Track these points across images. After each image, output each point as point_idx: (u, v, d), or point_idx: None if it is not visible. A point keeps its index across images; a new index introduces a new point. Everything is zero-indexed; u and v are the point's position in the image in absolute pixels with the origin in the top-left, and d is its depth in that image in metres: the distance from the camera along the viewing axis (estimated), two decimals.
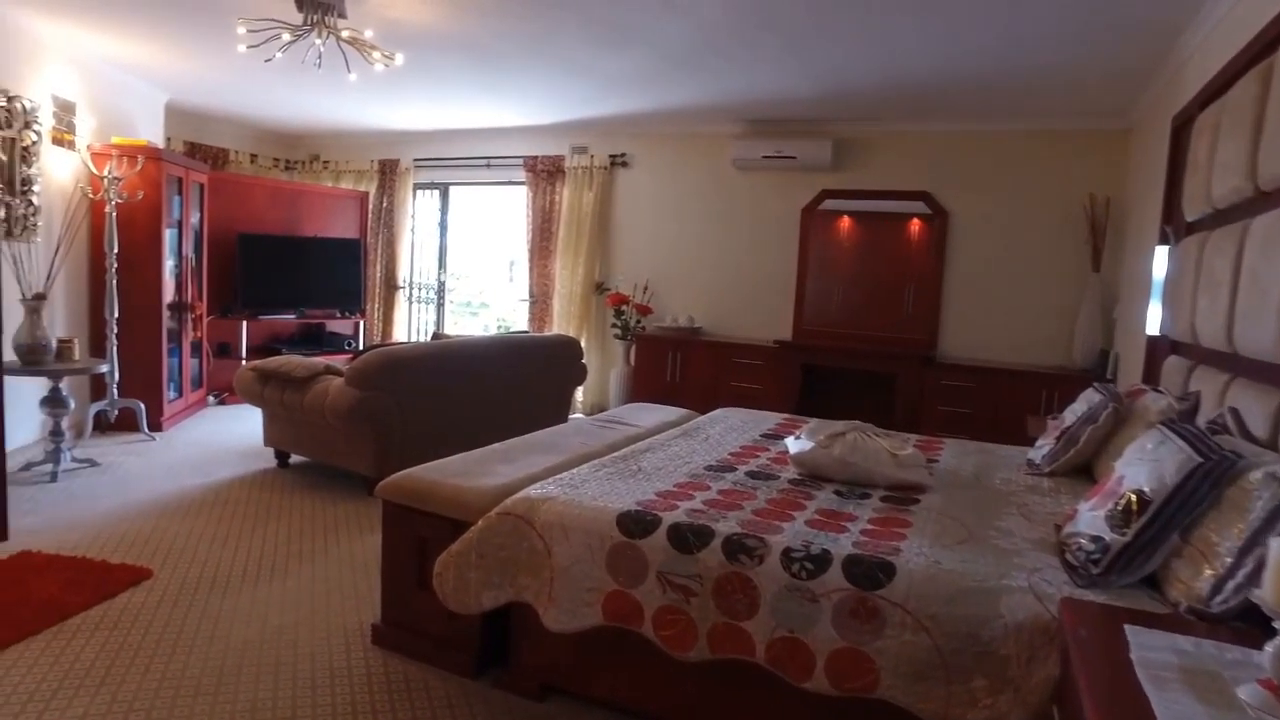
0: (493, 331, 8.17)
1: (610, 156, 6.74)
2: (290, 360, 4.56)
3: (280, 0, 3.55)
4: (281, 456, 4.83)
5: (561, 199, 6.94)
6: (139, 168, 5.17)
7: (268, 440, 4.79)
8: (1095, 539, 1.91)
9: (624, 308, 6.58)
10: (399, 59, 3.82)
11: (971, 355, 5.63)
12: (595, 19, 3.90)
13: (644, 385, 6.29)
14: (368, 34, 3.54)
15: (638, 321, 6.59)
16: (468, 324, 8.79)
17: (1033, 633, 1.73)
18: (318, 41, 3.44)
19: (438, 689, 2.46)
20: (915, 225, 5.84)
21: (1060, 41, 3.82)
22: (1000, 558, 2.03)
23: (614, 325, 6.65)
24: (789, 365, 5.77)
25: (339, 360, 5.03)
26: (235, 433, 5.52)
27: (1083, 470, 2.97)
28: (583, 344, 6.70)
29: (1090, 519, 2.00)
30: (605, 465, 2.80)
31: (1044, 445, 3.19)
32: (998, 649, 1.76)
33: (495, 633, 2.53)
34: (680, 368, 6.15)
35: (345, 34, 3.40)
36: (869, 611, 1.88)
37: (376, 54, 3.60)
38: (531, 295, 7.14)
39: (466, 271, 8.65)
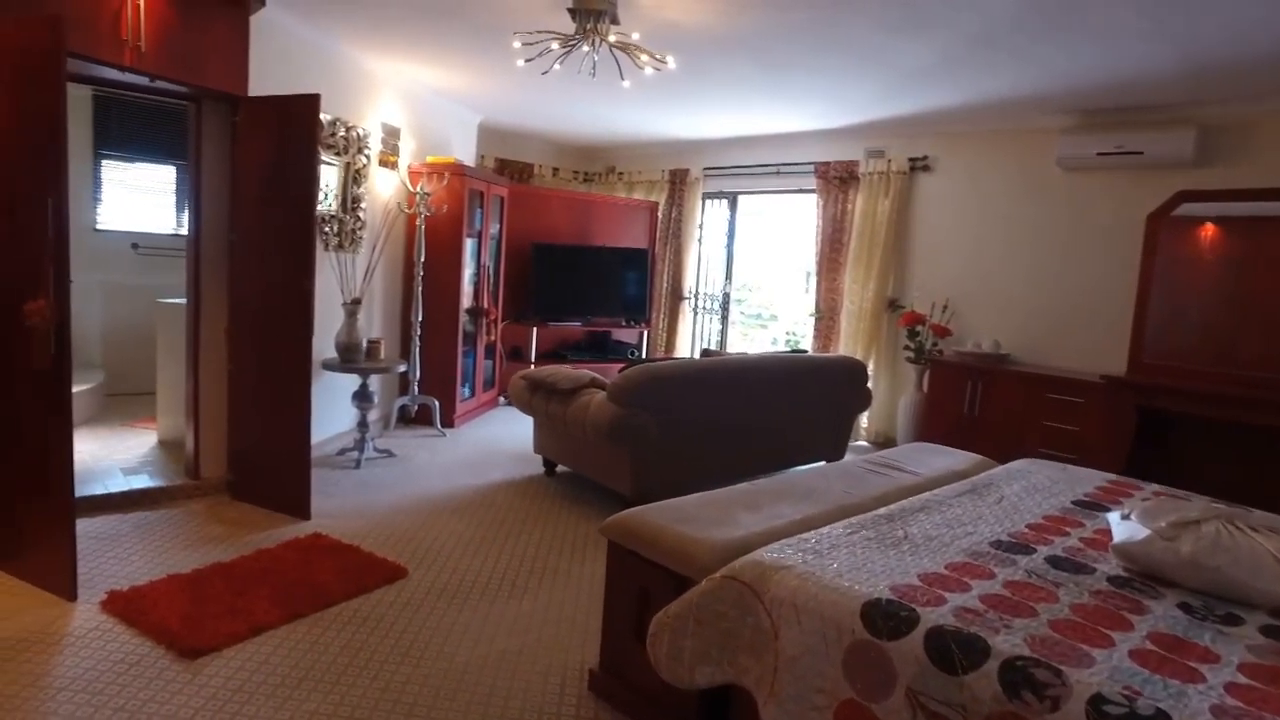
0: (779, 346, 7.83)
1: (909, 160, 6.05)
2: (557, 371, 4.61)
3: (556, 13, 3.54)
4: (549, 465, 4.92)
5: (854, 207, 6.40)
6: (445, 183, 5.61)
7: (537, 447, 4.90)
8: None
9: (919, 328, 5.87)
10: (670, 62, 3.63)
11: None
12: (887, 0, 3.38)
13: (936, 417, 5.53)
14: (635, 36, 3.38)
15: (934, 344, 5.84)
16: (757, 336, 8.54)
17: None
18: (586, 49, 3.35)
19: None
20: None
21: None
22: None
23: (906, 347, 5.96)
24: (1120, 407, 4.68)
25: (615, 369, 5.01)
26: (514, 435, 5.77)
27: None
28: (870, 366, 6.13)
29: None
30: (865, 527, 2.31)
31: None
32: None
33: (716, 705, 2.18)
34: (980, 400, 5.31)
35: (612, 38, 3.28)
36: None
37: (645, 57, 3.44)
38: (818, 310, 6.67)
39: (756, 282, 8.42)
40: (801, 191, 6.87)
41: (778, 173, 6.91)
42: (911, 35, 3.83)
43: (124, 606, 2.83)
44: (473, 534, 3.82)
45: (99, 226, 5.97)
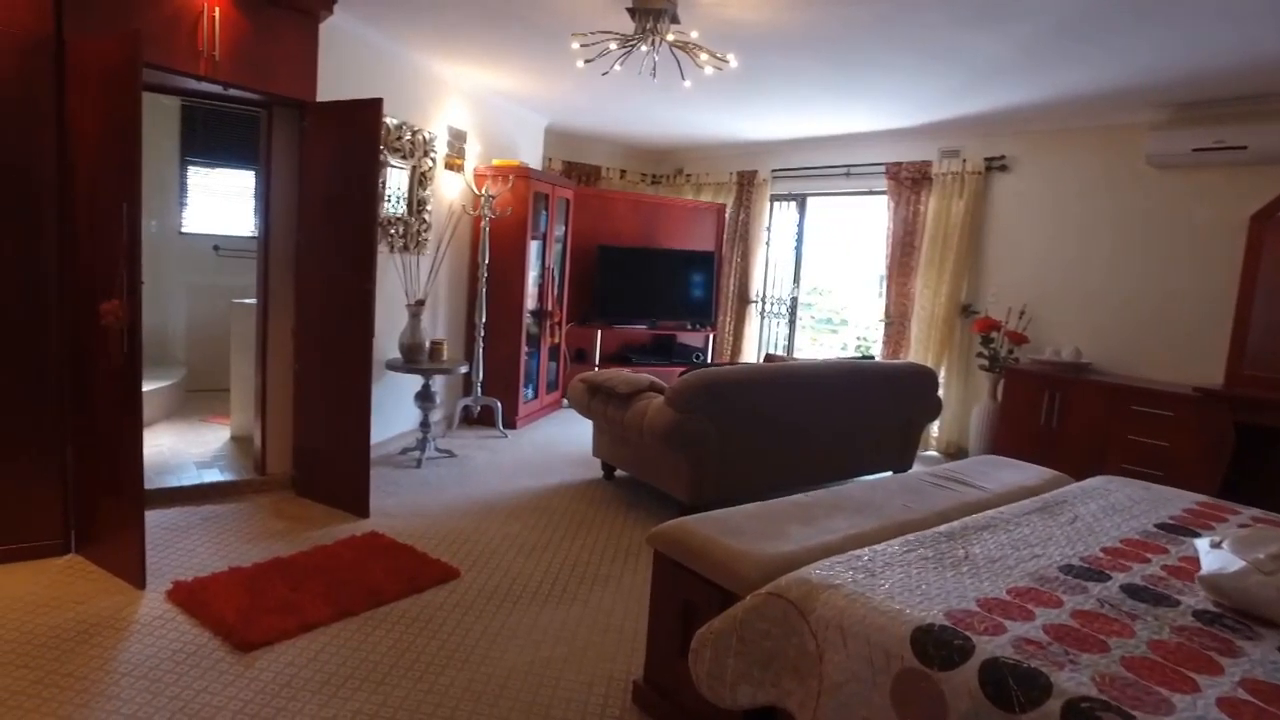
0: (849, 352, 7.62)
1: (985, 160, 5.80)
2: (616, 374, 4.57)
3: (615, 13, 3.50)
4: (608, 469, 4.89)
5: (926, 209, 6.17)
6: (509, 185, 5.65)
7: (596, 451, 4.87)
8: None
9: (993, 335, 5.62)
10: (732, 61, 3.55)
11: None
12: None
13: (1011, 428, 5.28)
14: (694, 35, 3.32)
15: (1009, 351, 5.58)
16: (827, 341, 8.35)
17: None
18: (643, 49, 3.30)
19: None
20: None
21: None
22: None
23: (980, 354, 5.71)
24: (1215, 422, 4.36)
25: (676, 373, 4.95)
26: (575, 438, 5.76)
27: None
28: (941, 374, 5.91)
29: None
30: (923, 544, 2.19)
31: None
32: None
33: None
34: (1059, 411, 5.03)
35: (671, 37, 3.22)
36: None
37: (705, 56, 3.37)
38: (888, 316, 6.47)
39: (826, 286, 8.23)
40: (872, 193, 6.67)
41: (847, 174, 6.74)
42: (986, 28, 3.65)
43: (187, 597, 2.92)
44: (526, 537, 3.81)
45: (184, 230, 6.24)
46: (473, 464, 4.97)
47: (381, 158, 4.62)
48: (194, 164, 6.24)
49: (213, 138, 6.22)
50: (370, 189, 3.74)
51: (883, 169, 6.38)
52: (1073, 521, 2.51)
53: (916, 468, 5.25)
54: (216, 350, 5.72)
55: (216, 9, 3.44)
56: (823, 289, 8.25)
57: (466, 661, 2.63)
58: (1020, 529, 2.39)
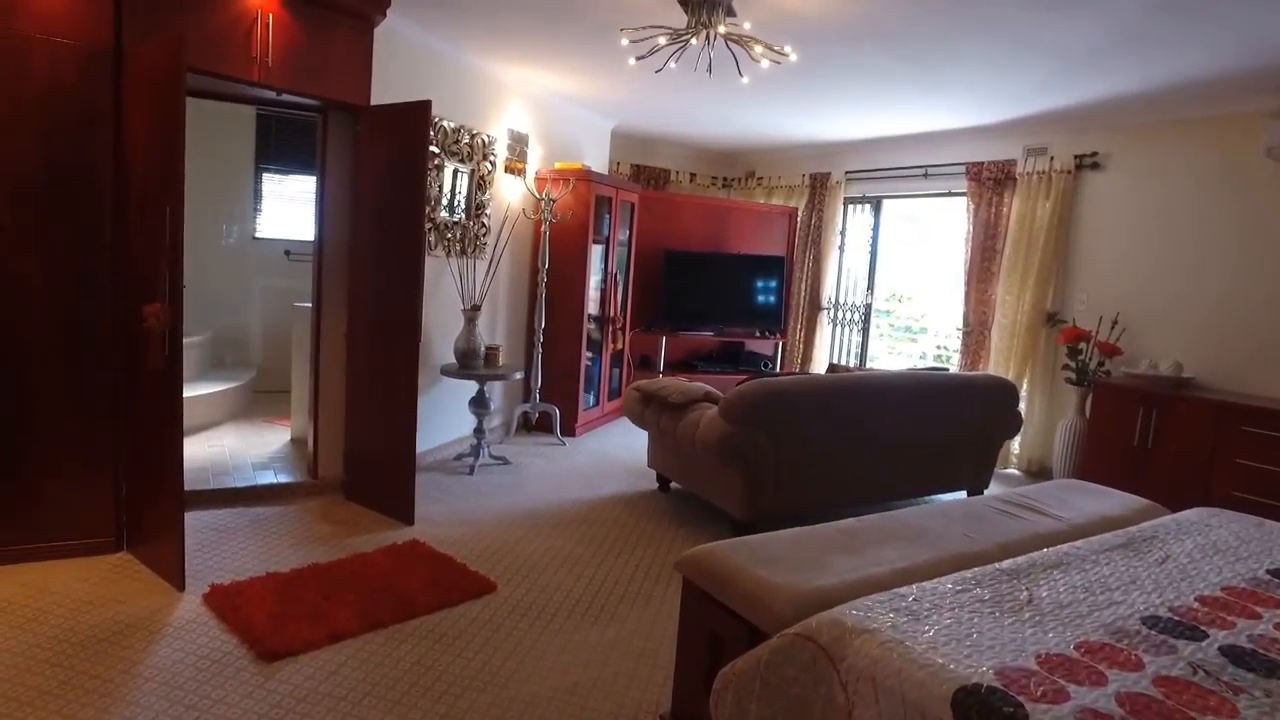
0: (928, 361, 7.24)
1: (1075, 157, 5.38)
2: (670, 383, 4.41)
3: (671, 8, 3.34)
4: (663, 480, 4.72)
5: (1009, 211, 5.79)
6: (571, 188, 5.56)
7: (650, 462, 4.72)
8: None
9: (1082, 345, 5.20)
10: (791, 54, 3.34)
11: None
12: None
13: (1099, 447, 4.86)
14: (746, 26, 3.13)
15: (1100, 364, 5.15)
16: (906, 350, 7.98)
17: None
18: (694, 43, 3.14)
19: None
20: None
21: None
22: None
23: (1066, 366, 5.30)
24: None
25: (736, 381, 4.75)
26: (633, 447, 5.61)
27: None
28: (1023, 387, 5.52)
29: None
30: (980, 583, 1.95)
31: None
32: None
33: None
34: (1155, 431, 4.59)
35: (721, 29, 3.04)
36: None
37: (759, 48, 3.17)
38: (966, 324, 6.10)
39: (906, 293, 7.86)
40: (951, 195, 6.31)
41: (925, 175, 6.39)
42: (1073, 11, 3.33)
43: (222, 601, 2.90)
44: (570, 550, 3.68)
45: (257, 235, 6.40)
46: (526, 472, 4.89)
47: (437, 161, 4.61)
48: (268, 171, 6.40)
49: (285, 144, 6.36)
50: (417, 191, 3.69)
51: (963, 169, 6.02)
52: (1163, 562, 2.21)
53: (994, 487, 4.92)
54: (284, 352, 5.83)
55: (270, 15, 3.45)
56: (902, 295, 7.89)
57: (489, 684, 2.51)
58: (1098, 568, 2.11)
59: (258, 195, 6.39)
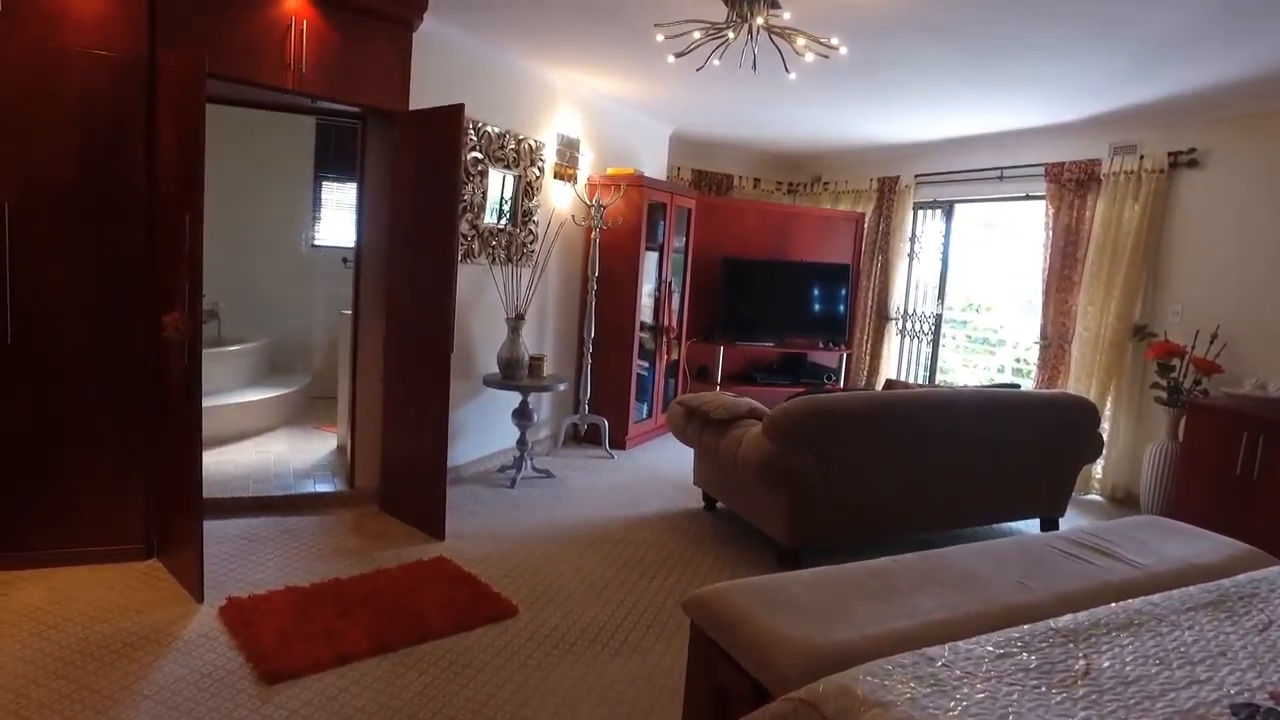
0: (1006, 375, 6.80)
1: (1169, 155, 4.92)
2: (714, 398, 4.19)
3: (713, 2, 3.14)
4: (709, 500, 4.50)
5: (1093, 214, 5.35)
6: (621, 194, 5.40)
7: (696, 479, 4.51)
8: None
9: (1174, 362, 4.74)
10: (840, 47, 3.09)
11: None
12: None
13: (1194, 476, 4.38)
14: (786, 16, 2.90)
15: (1196, 382, 4.68)
16: (983, 363, 7.53)
17: None
18: (732, 36, 2.93)
19: None
20: None
21: None
22: None
23: (1156, 385, 4.84)
24: None
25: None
26: (684, 462, 5.35)
27: None
28: (1107, 405, 5.09)
29: None
30: (1029, 645, 1.68)
31: None
32: None
33: None
34: (1261, 460, 4.10)
35: (760, 21, 2.82)
36: None
37: (802, 40, 2.94)
38: (1044, 336, 5.67)
39: (983, 302, 7.42)
40: (1029, 198, 5.89)
41: (1000, 177, 5.99)
42: None
43: (236, 614, 2.84)
44: (602, 572, 3.51)
45: (316, 243, 6.48)
46: (568, 486, 4.74)
47: (481, 167, 4.53)
48: (327, 179, 6.48)
49: (342, 152, 6.42)
50: (450, 197, 3.60)
51: (1041, 170, 5.60)
52: (1264, 629, 1.87)
53: (1070, 515, 4.51)
54: (335, 358, 5.86)
55: (304, 22, 3.41)
56: (979, 305, 7.44)
57: (493, 719, 2.36)
58: (1177, 633, 1.81)
59: (317, 203, 6.47)
